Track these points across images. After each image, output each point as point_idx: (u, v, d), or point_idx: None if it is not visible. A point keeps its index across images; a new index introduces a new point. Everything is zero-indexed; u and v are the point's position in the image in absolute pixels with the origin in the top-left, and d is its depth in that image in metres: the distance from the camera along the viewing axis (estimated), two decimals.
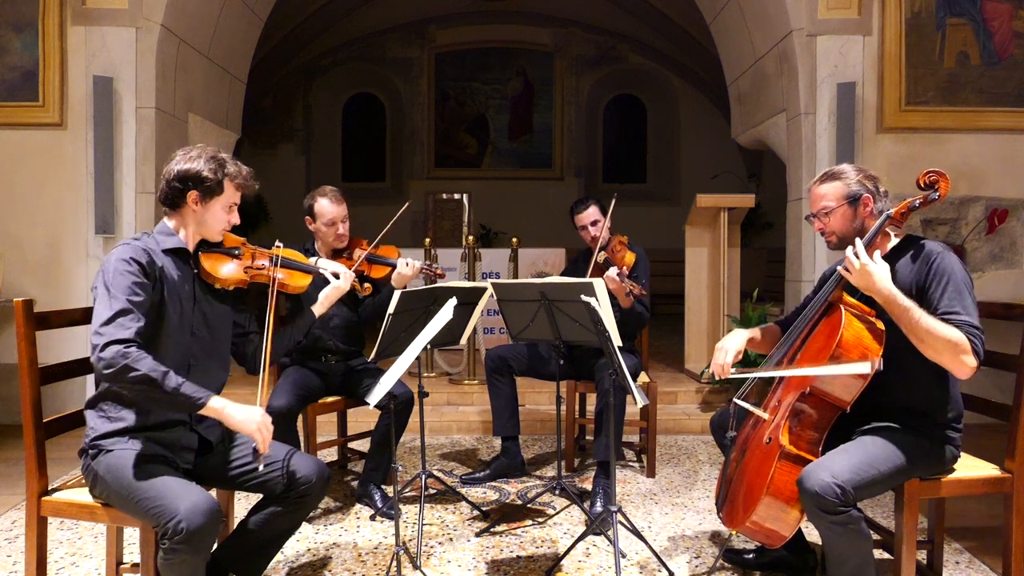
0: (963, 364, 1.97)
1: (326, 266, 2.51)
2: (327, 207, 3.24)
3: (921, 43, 5.09)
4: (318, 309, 2.47)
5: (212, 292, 2.17)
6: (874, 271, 2.03)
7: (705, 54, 9.48)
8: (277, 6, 6.45)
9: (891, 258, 2.20)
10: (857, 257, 2.06)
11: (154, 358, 1.96)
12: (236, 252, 2.22)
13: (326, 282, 2.50)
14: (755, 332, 2.51)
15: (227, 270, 2.17)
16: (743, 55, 6.10)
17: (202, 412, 1.91)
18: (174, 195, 2.10)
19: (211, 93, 5.71)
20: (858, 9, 5.05)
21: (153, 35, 4.86)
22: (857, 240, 2.11)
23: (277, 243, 2.33)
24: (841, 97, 5.00)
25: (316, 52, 11.43)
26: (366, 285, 2.78)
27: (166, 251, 2.08)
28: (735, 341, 2.39)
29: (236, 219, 2.19)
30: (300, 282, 2.33)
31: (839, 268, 2.17)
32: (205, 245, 2.19)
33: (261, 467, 2.06)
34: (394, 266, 3.24)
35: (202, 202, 2.10)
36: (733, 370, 2.33)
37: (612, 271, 3.32)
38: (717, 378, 2.38)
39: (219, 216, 2.13)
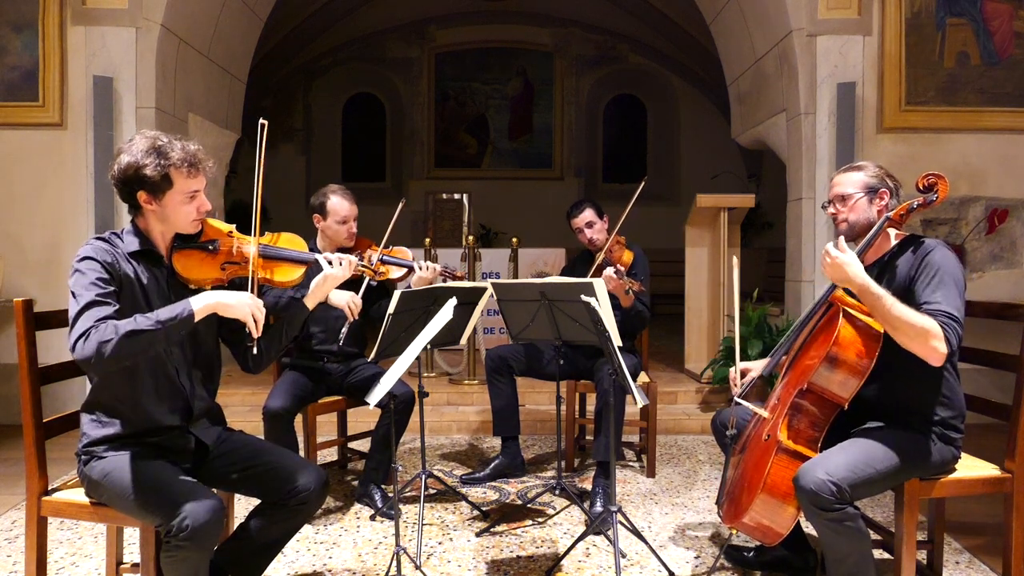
0: (933, 351, 1.99)
1: (321, 256, 2.21)
2: (340, 204, 3.24)
3: (921, 43, 5.09)
4: (310, 301, 2.20)
5: (190, 293, 1.98)
6: (845, 261, 2.05)
7: (705, 54, 9.48)
8: (277, 6, 6.45)
9: (892, 257, 2.23)
10: (827, 253, 2.10)
11: (130, 374, 1.93)
12: (212, 247, 2.03)
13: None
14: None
15: (200, 269, 2.00)
16: (743, 55, 6.10)
17: (198, 315, 1.82)
18: (125, 198, 1.95)
19: (211, 93, 5.71)
20: (858, 9, 5.05)
21: (153, 35, 4.86)
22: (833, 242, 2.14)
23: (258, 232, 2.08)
24: (841, 97, 5.01)
25: (316, 52, 11.43)
26: (382, 270, 2.53)
27: (132, 254, 1.95)
28: (752, 364, 2.56)
29: (206, 205, 2.00)
30: (288, 275, 2.11)
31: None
32: (181, 240, 2.03)
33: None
34: (409, 267, 3.22)
35: (155, 200, 1.93)
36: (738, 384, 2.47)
37: (609, 270, 3.33)
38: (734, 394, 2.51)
39: (180, 209, 1.96)
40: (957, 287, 2.08)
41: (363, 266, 2.36)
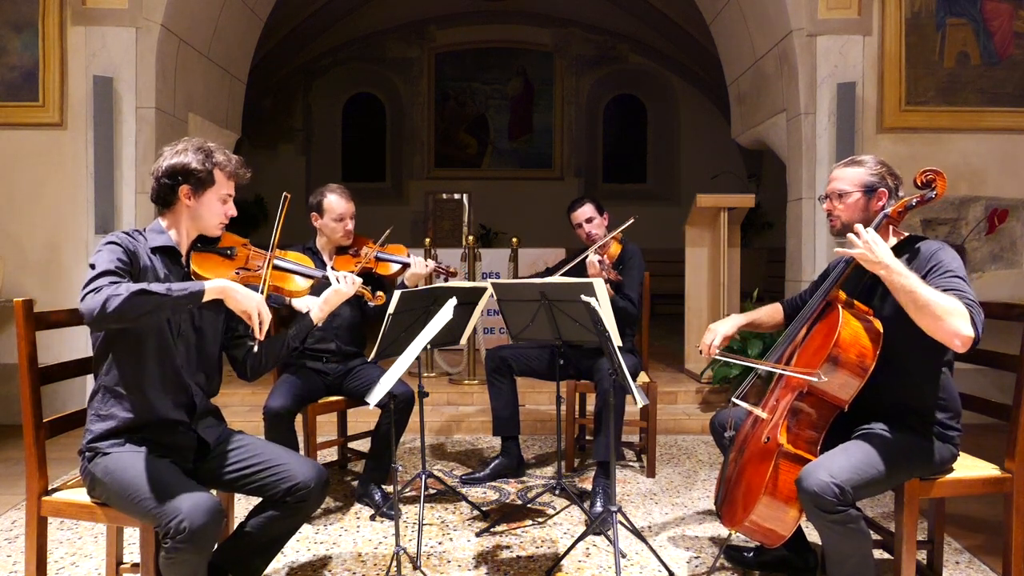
0: (956, 332, 1.93)
1: (330, 272, 2.39)
2: (336, 202, 3.27)
3: (921, 43, 5.08)
4: (316, 314, 2.34)
5: None
6: (878, 242, 2.02)
7: (705, 54, 9.48)
8: (277, 6, 6.45)
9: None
10: (859, 235, 2.05)
11: (137, 361, 1.98)
12: (229, 253, 2.16)
13: (327, 288, 2.38)
14: (752, 316, 2.58)
15: (215, 271, 2.09)
16: (743, 55, 6.10)
17: (208, 294, 1.89)
18: (165, 192, 2.06)
19: (211, 93, 5.71)
20: (858, 9, 5.05)
21: (153, 35, 4.86)
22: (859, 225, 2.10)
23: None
24: (841, 97, 5.00)
25: (316, 52, 11.43)
26: (379, 294, 2.62)
27: (154, 249, 2.05)
28: (726, 325, 2.50)
29: (232, 211, 2.14)
30: (296, 287, 2.24)
31: (843, 250, 2.12)
32: (200, 244, 2.14)
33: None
34: (405, 264, 3.25)
35: (195, 195, 2.06)
36: (717, 352, 2.42)
37: (594, 256, 3.34)
38: (701, 356, 2.50)
39: (214, 209, 2.09)
40: (968, 283, 2.07)
41: (366, 290, 2.50)
